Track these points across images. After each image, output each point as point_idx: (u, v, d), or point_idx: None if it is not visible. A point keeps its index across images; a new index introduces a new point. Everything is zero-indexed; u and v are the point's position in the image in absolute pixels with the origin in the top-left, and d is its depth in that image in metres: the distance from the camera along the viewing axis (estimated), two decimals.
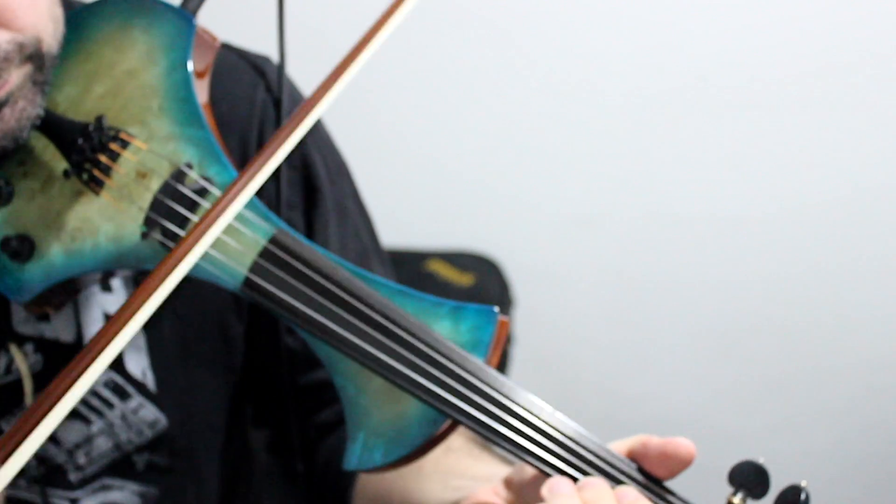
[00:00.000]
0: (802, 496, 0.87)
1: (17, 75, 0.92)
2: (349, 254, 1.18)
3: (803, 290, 1.84)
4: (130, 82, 1.00)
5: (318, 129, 1.21)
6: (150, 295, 0.87)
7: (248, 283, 0.91)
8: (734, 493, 0.88)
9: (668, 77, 1.60)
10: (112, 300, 1.11)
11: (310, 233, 1.17)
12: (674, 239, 1.73)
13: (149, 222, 0.94)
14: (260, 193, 0.94)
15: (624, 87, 1.61)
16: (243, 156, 1.13)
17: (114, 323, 0.86)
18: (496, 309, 0.91)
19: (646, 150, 1.66)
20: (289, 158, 1.15)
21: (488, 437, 0.87)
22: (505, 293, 2.11)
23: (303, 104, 0.95)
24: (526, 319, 2.01)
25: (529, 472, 0.94)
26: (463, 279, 1.84)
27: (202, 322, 1.14)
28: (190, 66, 0.99)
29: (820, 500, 0.92)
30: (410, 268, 2.05)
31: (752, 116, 1.65)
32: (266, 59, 1.18)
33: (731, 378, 2.05)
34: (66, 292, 1.02)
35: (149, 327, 1.10)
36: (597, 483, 0.85)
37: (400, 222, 1.41)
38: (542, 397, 0.86)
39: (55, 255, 0.98)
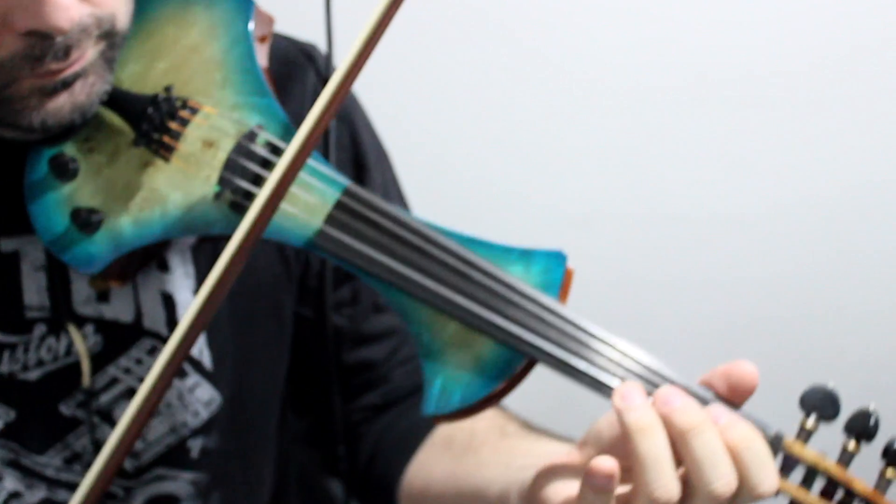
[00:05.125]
0: (872, 421, 0.90)
1: (93, 50, 0.95)
2: None
3: (804, 289, 1.82)
4: (193, 57, 1.03)
5: (362, 113, 1.24)
6: (237, 249, 0.89)
7: (322, 235, 0.93)
8: (807, 416, 0.90)
9: (667, 76, 1.58)
10: (169, 279, 1.12)
11: None
12: (674, 239, 1.71)
13: (223, 182, 0.96)
14: None
15: (622, 87, 1.59)
16: None
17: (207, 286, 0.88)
18: (564, 252, 0.93)
19: (645, 150, 1.64)
20: (338, 138, 1.18)
21: (568, 373, 0.89)
22: None
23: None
24: None
25: (606, 426, 0.92)
26: None
27: (256, 299, 1.15)
28: (252, 37, 1.02)
29: None
30: None
31: (752, 115, 1.62)
32: (313, 46, 1.22)
33: None
34: (132, 263, 1.04)
35: None
36: (675, 392, 0.84)
37: None
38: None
39: (124, 225, 0.99)
